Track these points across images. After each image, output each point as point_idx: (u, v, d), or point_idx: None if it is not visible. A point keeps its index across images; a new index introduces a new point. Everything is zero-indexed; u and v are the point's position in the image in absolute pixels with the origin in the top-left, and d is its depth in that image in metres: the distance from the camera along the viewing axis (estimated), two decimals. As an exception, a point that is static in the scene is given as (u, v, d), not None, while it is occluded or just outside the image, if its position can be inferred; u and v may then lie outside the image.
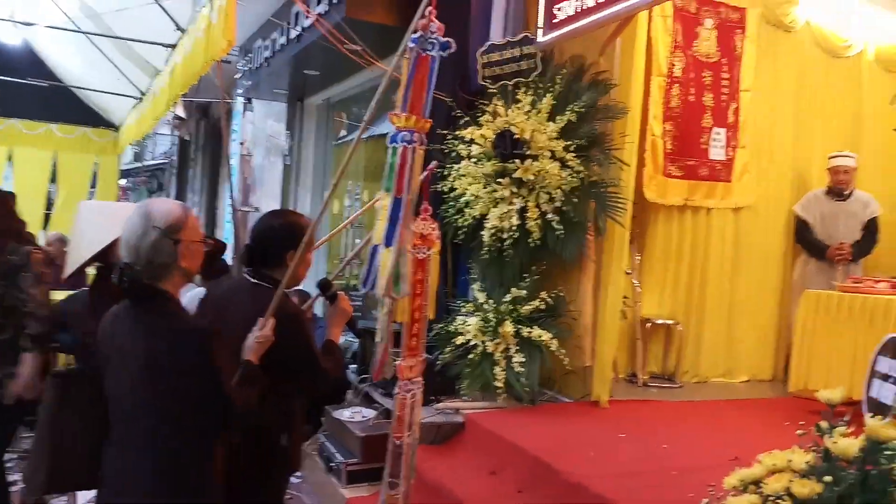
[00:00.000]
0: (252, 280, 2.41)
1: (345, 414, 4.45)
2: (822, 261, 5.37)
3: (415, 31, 2.17)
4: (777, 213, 5.72)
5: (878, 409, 2.16)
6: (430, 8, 2.13)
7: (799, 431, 2.28)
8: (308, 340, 2.33)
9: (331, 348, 2.45)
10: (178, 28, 6.83)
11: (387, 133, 2.35)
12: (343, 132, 9.09)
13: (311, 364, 2.31)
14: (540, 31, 4.71)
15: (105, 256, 3.08)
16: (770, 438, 2.59)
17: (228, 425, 2.06)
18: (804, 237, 5.51)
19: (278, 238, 2.40)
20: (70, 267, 3.26)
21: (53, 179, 12.45)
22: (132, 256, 1.98)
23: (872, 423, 2.09)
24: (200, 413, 1.97)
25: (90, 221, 3.23)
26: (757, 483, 2.21)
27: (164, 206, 2.05)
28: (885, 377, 2.19)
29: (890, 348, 2.22)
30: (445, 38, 2.20)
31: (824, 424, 2.26)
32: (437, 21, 2.17)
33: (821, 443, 2.21)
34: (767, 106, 5.65)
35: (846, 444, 2.10)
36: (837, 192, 5.41)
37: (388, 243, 2.20)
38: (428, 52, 2.16)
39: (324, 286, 2.54)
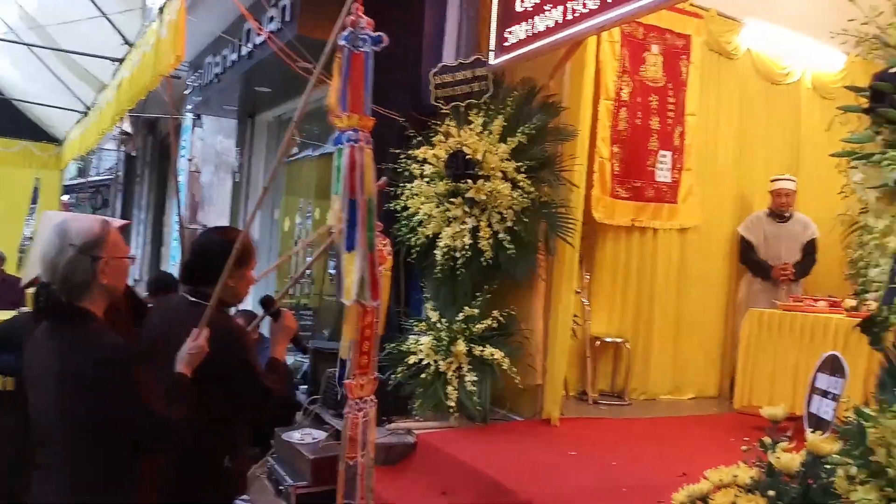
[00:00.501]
0: (190, 299, 2.33)
1: (294, 436, 4.38)
2: (767, 280, 5.55)
3: (342, 29, 2.15)
4: (721, 234, 5.89)
5: (818, 424, 2.23)
6: (355, 4, 2.12)
7: (743, 447, 2.34)
8: (248, 358, 2.27)
9: (274, 366, 2.39)
10: (126, 42, 6.72)
11: (336, 148, 2.30)
12: (295, 150, 9.02)
13: (253, 382, 2.25)
14: (492, 54, 4.78)
15: None
16: (716, 454, 2.64)
17: (159, 443, 2.00)
18: (749, 257, 5.69)
19: (218, 255, 2.30)
20: (26, 279, 3.16)
21: (-9, 195, 12.04)
22: (49, 275, 1.95)
23: (813, 438, 2.16)
24: (123, 432, 1.92)
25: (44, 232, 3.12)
26: (704, 499, 2.25)
27: (82, 224, 2.02)
28: (825, 393, 2.26)
29: (828, 365, 2.30)
30: (377, 33, 2.18)
31: (768, 440, 2.32)
32: (364, 17, 2.15)
33: (765, 458, 2.27)
34: (711, 130, 5.84)
35: (788, 458, 2.16)
36: (779, 213, 5.60)
37: (349, 247, 2.16)
38: (360, 49, 2.14)
39: (266, 303, 2.50)
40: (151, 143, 13.04)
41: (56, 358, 1.92)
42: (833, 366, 2.26)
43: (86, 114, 9.44)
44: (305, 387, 5.20)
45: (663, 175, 5.51)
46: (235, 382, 2.24)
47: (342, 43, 2.13)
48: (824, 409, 2.22)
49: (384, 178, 2.82)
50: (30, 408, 2.00)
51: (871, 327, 2.02)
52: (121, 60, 7.06)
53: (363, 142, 2.17)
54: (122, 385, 1.89)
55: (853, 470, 1.89)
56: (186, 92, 9.13)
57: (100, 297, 2.01)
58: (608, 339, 5.31)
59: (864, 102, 2.05)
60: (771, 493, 2.06)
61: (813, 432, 2.22)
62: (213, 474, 2.29)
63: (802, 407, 3.32)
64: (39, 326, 2.03)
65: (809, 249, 5.56)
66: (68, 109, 9.99)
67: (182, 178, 9.50)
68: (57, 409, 1.91)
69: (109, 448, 1.92)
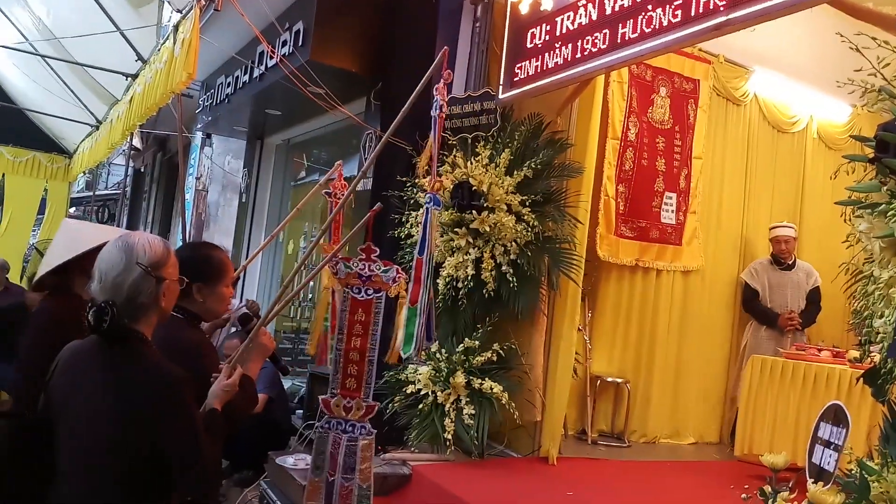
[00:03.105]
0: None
1: (288, 461, 4.32)
2: (773, 329, 5.52)
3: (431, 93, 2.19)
4: (724, 278, 5.88)
5: (820, 475, 2.20)
6: (448, 72, 2.16)
7: (743, 495, 2.31)
8: (205, 373, 2.23)
9: (244, 383, 2.30)
10: (140, 58, 6.79)
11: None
12: (302, 173, 9.07)
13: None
14: (501, 88, 4.82)
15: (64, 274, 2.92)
16: (714, 501, 2.61)
17: (197, 482, 1.89)
18: (753, 306, 5.66)
19: (186, 269, 2.25)
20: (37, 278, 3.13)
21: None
22: (111, 293, 1.82)
23: (814, 489, 2.13)
24: (175, 468, 1.82)
25: (61, 238, 3.11)
26: (701, 546, 2.22)
27: (147, 241, 1.91)
28: (827, 443, 2.23)
29: (831, 414, 2.27)
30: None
31: (768, 489, 2.29)
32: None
33: (764, 508, 2.23)
34: (717, 174, 5.87)
35: (789, 509, 2.13)
36: (781, 261, 5.59)
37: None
38: (440, 111, 2.20)
39: (243, 320, 2.48)
40: (160, 159, 13.11)
41: (112, 386, 1.81)
42: (836, 415, 2.23)
43: (97, 127, 9.51)
44: (301, 411, 5.15)
45: (668, 217, 5.52)
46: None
47: (434, 114, 2.19)
48: (826, 459, 2.19)
49: (378, 204, 2.84)
50: (61, 435, 1.87)
51: (874, 379, 2.01)
52: (134, 76, 7.13)
53: (434, 204, 2.23)
54: (182, 419, 1.82)
55: (855, 524, 1.87)
56: (197, 111, 9.20)
57: (154, 320, 1.93)
58: (609, 379, 5.26)
59: (869, 153, 2.06)
60: (770, 544, 2.03)
61: (815, 483, 2.19)
62: (211, 489, 2.24)
63: (803, 456, 3.29)
64: (83, 346, 1.92)
65: (814, 297, 5.54)
66: (79, 122, 10.06)
67: (189, 197, 9.54)
68: (102, 437, 1.80)
69: (148, 481, 1.82)
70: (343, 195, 3.71)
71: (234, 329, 4.71)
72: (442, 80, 2.20)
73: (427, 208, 2.26)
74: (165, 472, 1.84)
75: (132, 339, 1.85)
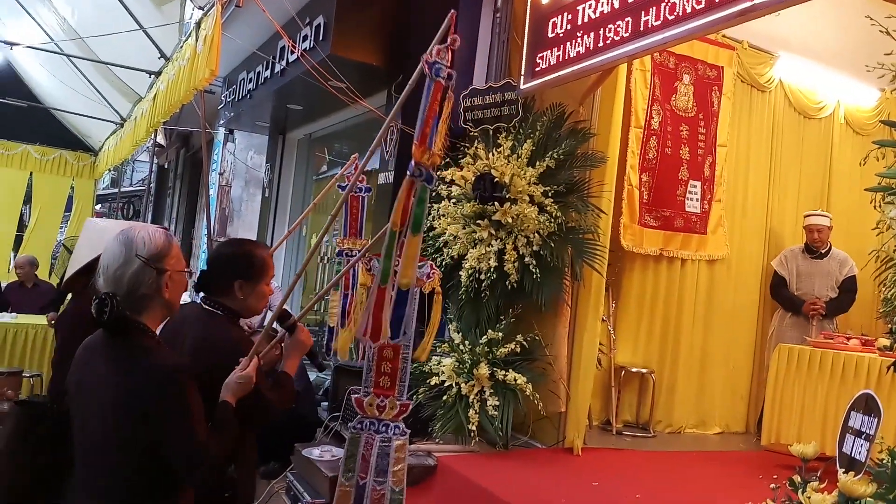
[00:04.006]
0: (205, 307, 2.36)
1: (314, 452, 4.36)
2: (798, 315, 5.45)
3: (431, 56, 2.11)
4: (749, 267, 5.81)
5: (851, 465, 2.17)
6: (454, 36, 2.08)
7: (773, 486, 2.28)
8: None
9: (282, 380, 2.34)
10: (163, 56, 6.85)
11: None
12: (324, 167, 9.11)
13: (252, 394, 2.19)
14: (522, 78, 4.79)
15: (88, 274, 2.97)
16: (742, 491, 2.59)
17: (195, 475, 1.88)
18: (779, 292, 5.60)
19: (226, 266, 2.35)
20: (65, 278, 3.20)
21: (27, 200, 12.28)
22: (113, 286, 1.85)
23: (845, 479, 2.10)
24: (170, 460, 1.84)
25: (85, 238, 3.17)
26: (730, 536, 2.20)
27: (146, 234, 1.93)
28: (858, 433, 2.20)
29: (862, 404, 2.24)
30: (450, 69, 2.15)
31: (797, 479, 2.27)
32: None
33: (794, 497, 2.21)
34: (742, 162, 5.79)
35: (820, 499, 2.10)
36: (813, 249, 5.52)
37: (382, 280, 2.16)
38: (438, 79, 2.11)
39: (281, 317, 2.50)
40: (183, 156, 13.24)
41: (112, 377, 1.84)
42: (867, 405, 2.20)
43: (121, 125, 9.62)
44: (326, 404, 5.19)
45: (693, 205, 5.47)
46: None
47: (439, 78, 2.09)
48: (858, 448, 2.16)
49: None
50: (74, 424, 1.93)
51: (907, 368, 1.98)
52: (157, 73, 7.20)
53: (417, 177, 2.11)
54: (176, 412, 1.82)
55: (887, 514, 1.85)
56: (220, 107, 9.27)
57: (159, 312, 1.95)
58: (633, 369, 5.24)
59: (899, 137, 2.02)
60: (801, 533, 2.01)
61: (846, 473, 2.16)
62: (218, 485, 2.26)
63: (831, 446, 3.25)
64: (93, 339, 1.95)
65: (848, 286, 5.45)
66: (104, 120, 10.18)
67: (212, 192, 9.62)
68: (108, 429, 1.83)
69: (157, 476, 1.85)
70: (361, 189, 3.71)
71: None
72: (447, 45, 2.10)
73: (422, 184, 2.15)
74: (170, 467, 1.86)
75: (134, 332, 1.87)
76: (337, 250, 3.08)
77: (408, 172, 2.11)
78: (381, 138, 2.35)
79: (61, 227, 12.71)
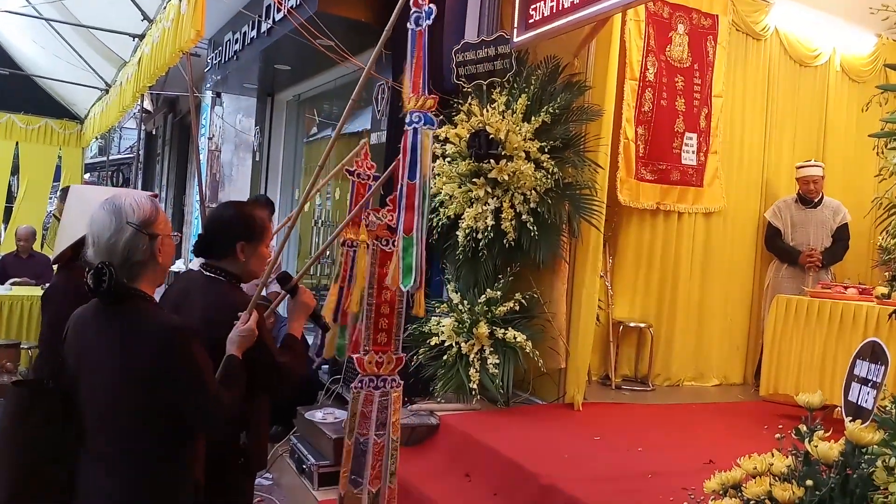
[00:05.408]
0: (206, 273, 2.35)
1: (317, 415, 4.38)
2: (794, 266, 5.46)
3: (408, 9, 2.08)
4: (745, 219, 5.80)
5: (857, 413, 2.17)
6: None
7: (778, 435, 2.29)
8: (263, 335, 2.24)
9: (290, 343, 2.35)
10: (146, 18, 6.68)
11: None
12: (314, 129, 8.99)
13: (267, 359, 2.23)
14: (515, 31, 4.69)
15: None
16: (742, 442, 2.60)
17: (215, 429, 1.96)
18: (775, 244, 5.59)
19: (228, 228, 2.34)
20: (57, 250, 3.14)
21: (14, 171, 12.11)
22: (106, 255, 1.84)
23: (852, 427, 2.10)
24: (189, 417, 1.88)
25: (72, 208, 3.10)
26: (737, 487, 2.21)
27: (133, 200, 1.92)
28: (864, 381, 2.20)
29: (868, 352, 2.23)
30: (429, 5, 2.13)
31: (804, 428, 2.27)
32: None
33: (800, 446, 2.22)
34: (737, 112, 5.73)
35: (826, 447, 2.11)
36: (806, 199, 5.50)
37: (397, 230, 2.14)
38: (421, 27, 2.09)
39: (283, 279, 2.47)
40: (171, 121, 13.05)
41: (116, 345, 1.85)
42: (874, 352, 2.19)
43: (106, 91, 9.44)
44: (327, 367, 5.20)
45: (689, 158, 5.42)
46: (246, 358, 2.20)
47: (414, 27, 2.06)
48: (864, 397, 2.16)
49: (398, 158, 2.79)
50: (81, 397, 1.92)
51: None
52: (140, 36, 7.03)
53: (423, 123, 2.10)
54: (189, 367, 1.84)
55: (893, 461, 1.85)
56: (206, 70, 9.10)
57: (154, 278, 1.95)
58: (631, 324, 5.25)
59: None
60: (809, 482, 2.01)
61: (852, 421, 2.17)
62: (230, 451, 2.27)
63: (829, 395, 3.27)
64: (87, 310, 1.95)
65: (841, 235, 5.44)
66: (89, 86, 9.98)
67: (202, 157, 9.50)
68: (119, 396, 1.84)
69: (172, 435, 1.88)
70: (369, 177, 3.56)
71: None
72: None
73: (416, 129, 2.12)
74: (184, 427, 1.89)
75: (133, 298, 1.88)
76: (341, 240, 3.03)
77: (419, 125, 2.09)
78: (358, 92, 2.30)
79: (51, 198, 12.57)
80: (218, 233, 2.36)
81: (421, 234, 2.13)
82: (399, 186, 2.13)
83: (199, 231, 2.43)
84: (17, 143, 11.66)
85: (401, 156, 2.09)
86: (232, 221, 2.36)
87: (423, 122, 2.08)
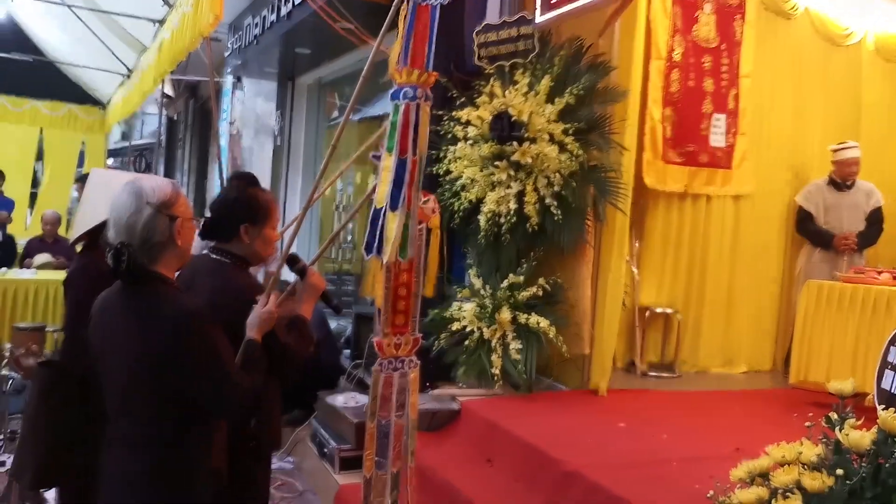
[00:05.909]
0: (213, 256, 2.34)
1: (338, 400, 4.38)
2: (828, 250, 5.32)
3: None
4: (775, 202, 5.66)
5: (890, 401, 2.10)
6: None
7: (808, 423, 2.22)
8: None
9: (297, 324, 2.32)
10: (166, 3, 6.68)
11: (381, 115, 2.24)
12: (335, 113, 8.95)
13: (275, 343, 2.19)
14: (537, 11, 4.59)
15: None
16: (770, 430, 2.54)
17: (232, 414, 1.97)
18: (807, 227, 5.44)
19: (232, 210, 2.33)
20: (76, 233, 3.15)
21: (39, 157, 12.25)
22: (126, 236, 1.85)
23: (885, 415, 2.03)
24: (205, 402, 1.88)
25: (92, 192, 3.10)
26: (765, 475, 2.15)
27: (155, 182, 1.94)
28: (897, 368, 2.13)
29: (903, 339, 2.16)
30: None
31: (835, 416, 2.20)
32: None
33: (831, 435, 2.15)
34: (766, 93, 5.58)
35: (858, 436, 2.04)
36: (839, 183, 5.35)
37: (393, 206, 2.08)
38: (427, 2, 2.03)
39: (291, 261, 2.45)
40: (192, 106, 13.09)
41: (135, 327, 1.85)
42: (910, 340, 2.12)
43: (128, 76, 9.49)
44: (349, 351, 5.20)
45: (717, 139, 5.29)
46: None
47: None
48: (899, 385, 2.09)
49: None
50: (103, 380, 1.94)
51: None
52: (161, 21, 7.04)
53: (421, 99, 2.07)
54: (201, 354, 1.84)
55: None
56: (226, 54, 9.09)
57: (173, 260, 1.95)
58: (658, 310, 5.15)
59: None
60: (839, 471, 1.95)
61: (884, 409, 2.10)
62: (237, 435, 2.25)
63: (861, 383, 3.18)
64: (111, 292, 1.95)
65: (875, 218, 5.28)
66: (111, 72, 10.04)
67: (223, 142, 9.52)
68: (140, 380, 1.85)
69: (193, 419, 1.89)
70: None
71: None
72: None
73: (417, 105, 2.07)
74: (200, 413, 1.89)
75: (151, 280, 1.87)
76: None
77: (405, 98, 2.04)
78: (369, 69, 2.26)
79: (74, 184, 12.71)
80: (223, 215, 2.36)
81: (413, 209, 2.10)
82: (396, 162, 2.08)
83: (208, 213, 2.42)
84: (41, 130, 11.79)
85: (399, 131, 2.04)
86: (235, 204, 2.35)
87: (424, 97, 2.04)
